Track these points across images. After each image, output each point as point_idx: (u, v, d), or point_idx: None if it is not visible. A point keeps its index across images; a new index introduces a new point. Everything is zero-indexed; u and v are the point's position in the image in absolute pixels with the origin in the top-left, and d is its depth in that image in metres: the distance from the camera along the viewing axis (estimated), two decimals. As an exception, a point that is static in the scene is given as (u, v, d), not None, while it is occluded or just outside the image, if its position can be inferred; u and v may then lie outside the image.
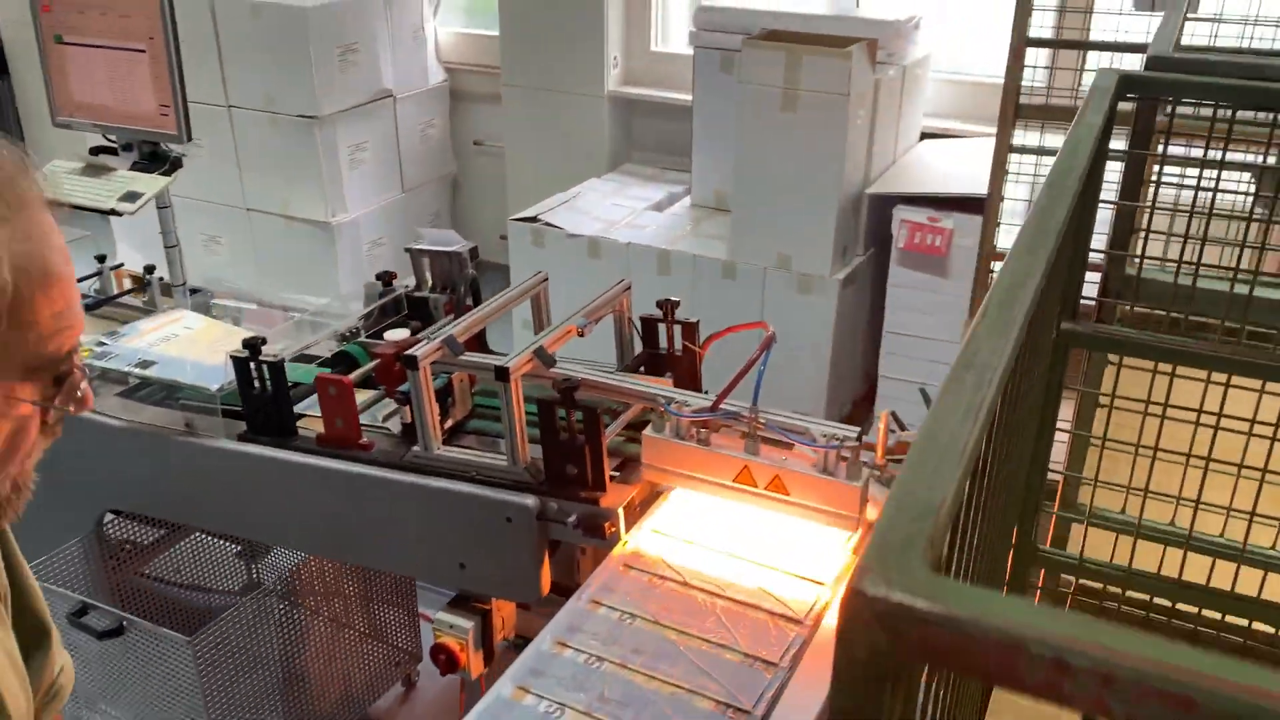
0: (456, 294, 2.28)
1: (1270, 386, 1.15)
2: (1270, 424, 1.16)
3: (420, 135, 4.74)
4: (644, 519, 1.81)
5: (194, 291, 2.66)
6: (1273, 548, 1.19)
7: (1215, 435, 1.16)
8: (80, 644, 2.17)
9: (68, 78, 2.55)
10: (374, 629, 2.66)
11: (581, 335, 1.97)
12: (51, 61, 2.56)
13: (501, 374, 1.79)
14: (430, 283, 2.37)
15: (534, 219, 3.81)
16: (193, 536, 2.68)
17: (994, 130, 3.74)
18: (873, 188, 3.39)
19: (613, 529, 1.79)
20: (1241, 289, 1.08)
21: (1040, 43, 2.95)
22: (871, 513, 1.69)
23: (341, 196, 4.36)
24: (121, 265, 2.84)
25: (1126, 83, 0.96)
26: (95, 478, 2.35)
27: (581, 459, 1.79)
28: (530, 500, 1.84)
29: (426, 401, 1.89)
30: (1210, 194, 1.06)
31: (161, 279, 2.74)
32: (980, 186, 3.17)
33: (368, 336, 2.30)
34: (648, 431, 1.76)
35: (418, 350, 1.87)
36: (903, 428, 1.88)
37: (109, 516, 2.45)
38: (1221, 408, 1.15)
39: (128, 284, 4.88)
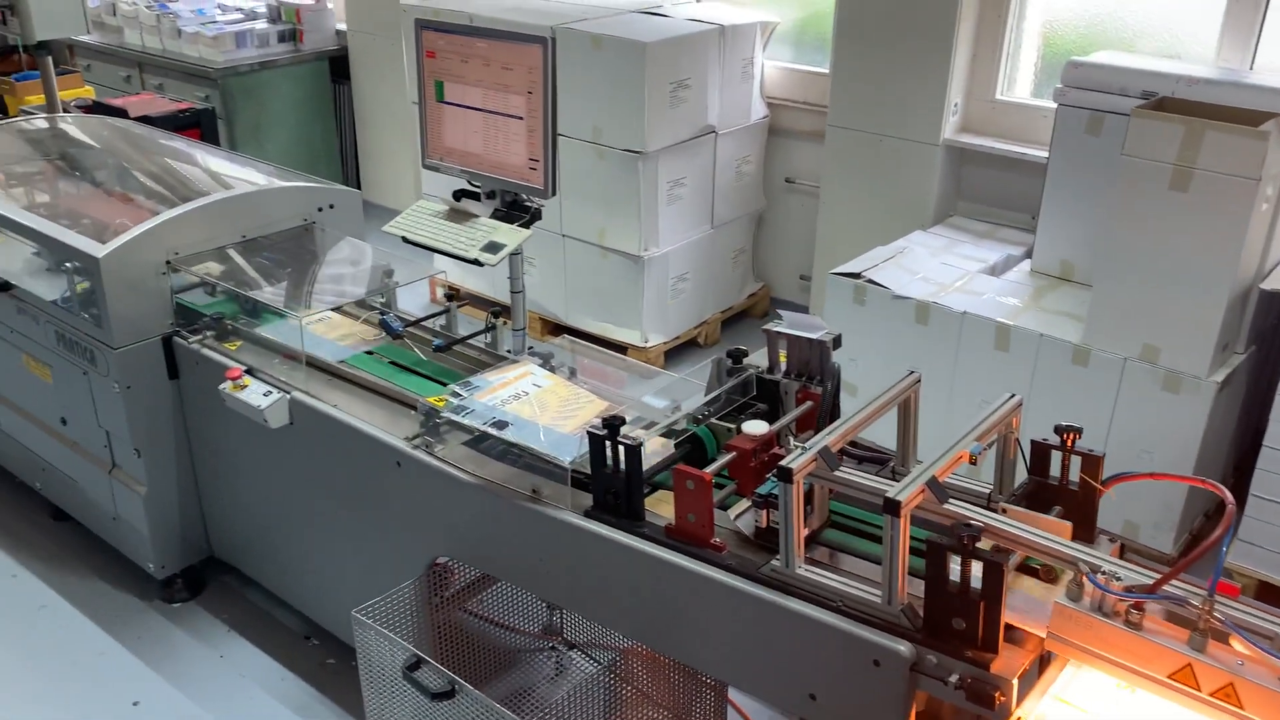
0: (823, 386, 2.13)
1: None
2: None
3: (735, 171, 4.64)
4: (1039, 690, 1.58)
5: (530, 350, 2.65)
6: None
7: None
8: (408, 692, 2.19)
9: (443, 124, 2.60)
10: (680, 709, 2.56)
11: (974, 463, 1.77)
12: (429, 107, 2.61)
13: (891, 507, 1.62)
14: (784, 367, 2.24)
15: (857, 275, 3.62)
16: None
17: None
18: (1268, 281, 2.95)
19: (1003, 699, 1.58)
20: None
21: None
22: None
23: (656, 231, 4.33)
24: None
25: None
26: (434, 524, 2.38)
27: (974, 614, 1.59)
28: (904, 647, 1.66)
29: (796, 517, 1.75)
30: None
31: (505, 323, 2.76)
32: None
33: (717, 419, 2.19)
34: (1061, 599, 1.54)
35: (792, 461, 1.73)
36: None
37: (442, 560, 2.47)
38: None
39: (440, 293, 5.07)
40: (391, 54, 5.85)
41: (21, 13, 3.82)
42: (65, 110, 4.11)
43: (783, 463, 1.73)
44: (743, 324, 4.98)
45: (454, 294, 2.85)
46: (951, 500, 1.71)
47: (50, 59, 4.05)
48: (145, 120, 4.04)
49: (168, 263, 2.80)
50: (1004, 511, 1.81)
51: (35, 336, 3.06)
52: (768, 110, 4.72)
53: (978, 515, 1.67)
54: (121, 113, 4.13)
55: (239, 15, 6.13)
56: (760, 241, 5.06)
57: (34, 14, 3.81)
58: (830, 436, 1.81)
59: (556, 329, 4.76)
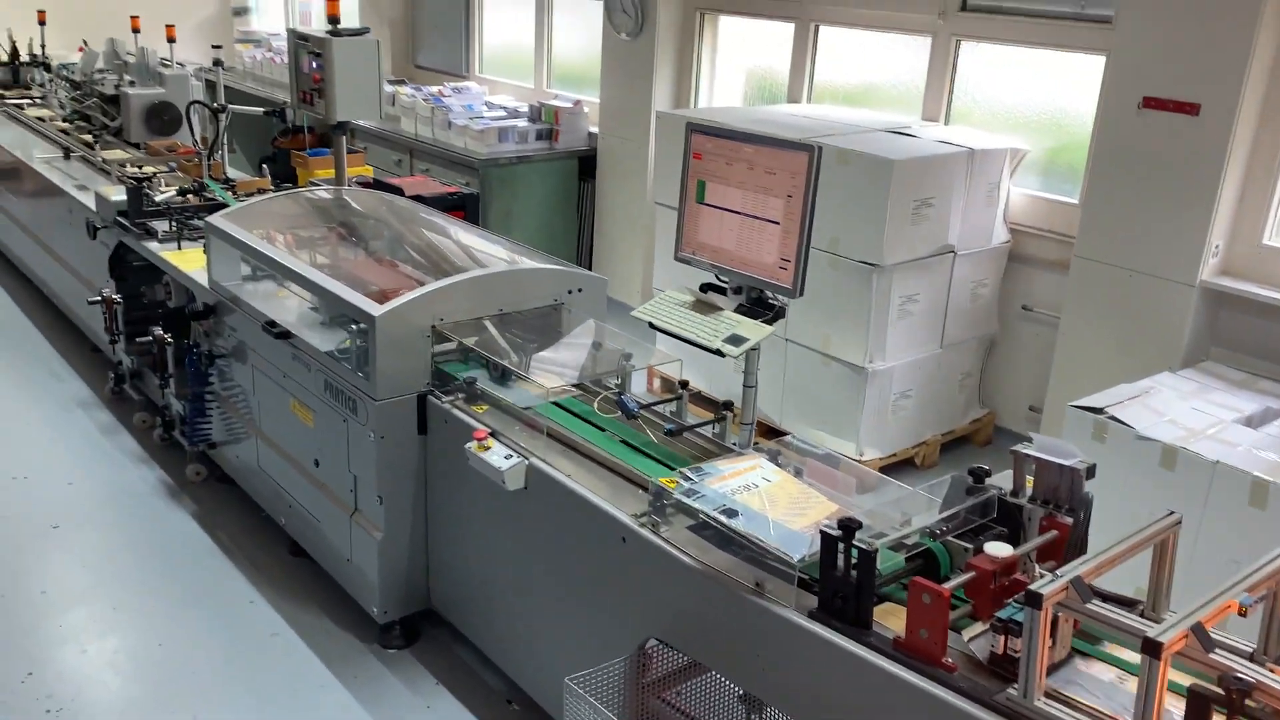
0: (1074, 515, 2.05)
1: None
2: None
3: (971, 293, 4.58)
4: None
5: (756, 446, 2.69)
6: None
7: None
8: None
9: (699, 220, 2.72)
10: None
11: (1243, 615, 1.65)
12: (689, 204, 2.74)
13: (1152, 648, 1.53)
14: (1029, 492, 2.17)
15: (1099, 410, 3.46)
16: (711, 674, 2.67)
17: None
18: None
19: None
20: None
21: None
22: None
23: (883, 344, 4.31)
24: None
25: None
26: (651, 605, 2.42)
27: (1239, 778, 1.47)
28: (1153, 802, 1.55)
29: (1042, 645, 1.68)
30: None
31: (734, 415, 2.81)
32: None
33: (954, 537, 2.14)
34: (1346, 775, 1.41)
35: (1043, 587, 1.67)
36: None
37: (651, 643, 2.50)
38: None
39: (656, 384, 5.20)
40: (637, 157, 6.16)
41: (328, 96, 4.28)
42: (349, 185, 4.55)
43: (1032, 587, 1.68)
44: (963, 450, 4.84)
45: (685, 384, 2.92)
46: (1216, 650, 1.60)
47: (344, 139, 4.50)
48: (418, 199, 4.41)
49: (433, 327, 3.02)
50: (1274, 672, 1.68)
51: (305, 383, 3.35)
52: (1010, 235, 4.66)
53: (1247, 669, 1.55)
54: (398, 191, 4.52)
55: (503, 113, 6.63)
56: (989, 367, 4.94)
57: (338, 98, 4.27)
58: (1084, 567, 1.74)
59: (770, 432, 4.77)
